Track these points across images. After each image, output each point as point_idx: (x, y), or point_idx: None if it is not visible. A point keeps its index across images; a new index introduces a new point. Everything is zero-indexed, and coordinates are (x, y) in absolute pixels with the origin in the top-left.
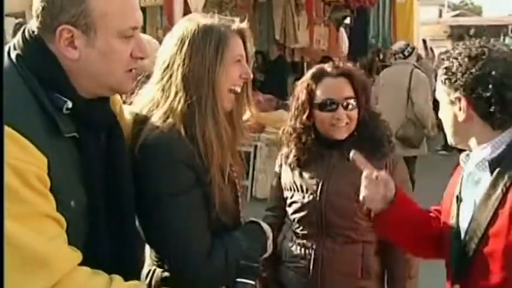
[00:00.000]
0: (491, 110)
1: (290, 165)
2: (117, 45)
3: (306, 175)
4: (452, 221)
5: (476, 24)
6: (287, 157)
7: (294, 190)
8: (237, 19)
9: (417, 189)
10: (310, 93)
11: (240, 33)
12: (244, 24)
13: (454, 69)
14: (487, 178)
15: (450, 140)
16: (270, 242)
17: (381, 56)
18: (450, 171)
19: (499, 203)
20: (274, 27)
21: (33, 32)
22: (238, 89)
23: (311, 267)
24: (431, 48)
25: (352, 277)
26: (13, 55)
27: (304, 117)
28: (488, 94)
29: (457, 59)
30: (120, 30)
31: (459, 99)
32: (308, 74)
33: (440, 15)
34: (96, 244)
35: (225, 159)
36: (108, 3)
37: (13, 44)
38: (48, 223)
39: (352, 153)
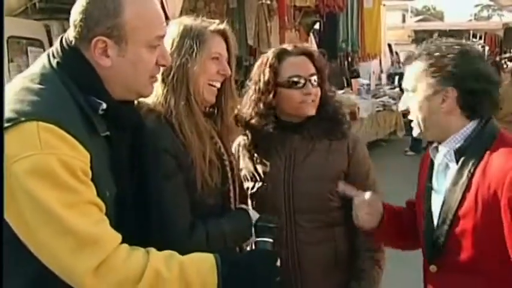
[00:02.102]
0: (475, 102)
1: (249, 152)
2: (144, 55)
3: (267, 163)
4: (424, 208)
5: (440, 29)
6: (244, 146)
7: (256, 180)
8: (217, 21)
9: (388, 190)
10: (275, 72)
11: (222, 33)
12: (223, 25)
13: (443, 63)
14: (454, 166)
15: (424, 133)
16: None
17: (349, 59)
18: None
19: (465, 188)
20: (247, 32)
21: (70, 41)
22: (217, 84)
23: (289, 265)
24: (396, 52)
25: (327, 267)
26: (53, 63)
27: (270, 96)
28: (476, 87)
29: (442, 52)
30: (148, 40)
31: (447, 91)
32: (269, 54)
33: (403, 20)
34: (123, 226)
35: (205, 147)
36: (139, 17)
37: (51, 51)
38: (93, 209)
39: (340, 186)
